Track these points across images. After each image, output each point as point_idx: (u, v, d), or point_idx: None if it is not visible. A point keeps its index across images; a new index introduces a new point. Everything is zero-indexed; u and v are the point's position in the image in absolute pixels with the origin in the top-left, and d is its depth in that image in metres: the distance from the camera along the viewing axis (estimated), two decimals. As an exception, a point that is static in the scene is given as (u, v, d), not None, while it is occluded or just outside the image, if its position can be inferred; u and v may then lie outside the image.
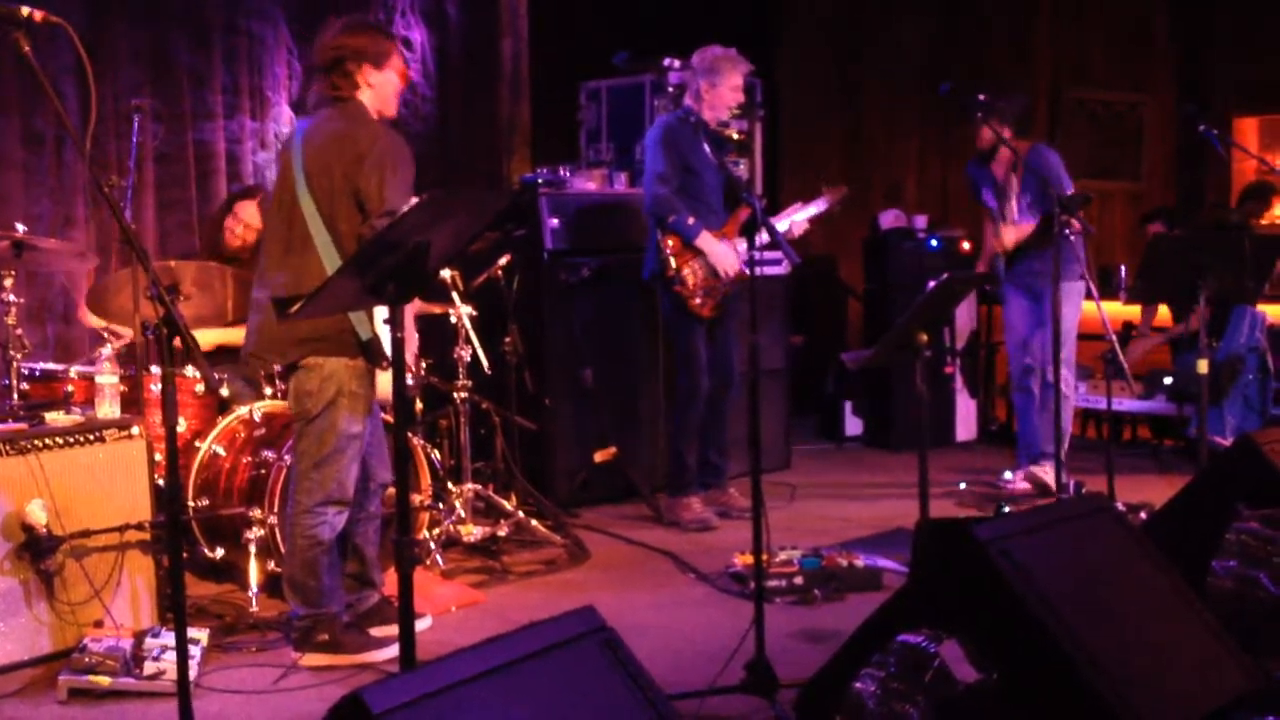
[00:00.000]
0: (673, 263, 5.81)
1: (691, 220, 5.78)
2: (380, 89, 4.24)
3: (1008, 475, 6.62)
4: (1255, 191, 8.74)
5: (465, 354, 5.47)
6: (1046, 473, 6.29)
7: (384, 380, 4.27)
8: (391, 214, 3.95)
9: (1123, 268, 8.26)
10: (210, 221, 5.88)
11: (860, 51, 9.62)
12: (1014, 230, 6.39)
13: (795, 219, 5.97)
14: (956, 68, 9.22)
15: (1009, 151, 6.31)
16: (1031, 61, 9.83)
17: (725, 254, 5.81)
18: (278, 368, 4.30)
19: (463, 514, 5.38)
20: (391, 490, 4.47)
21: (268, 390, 5.16)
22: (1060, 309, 5.51)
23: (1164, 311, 7.65)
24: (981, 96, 6.07)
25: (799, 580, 4.83)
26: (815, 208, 6.00)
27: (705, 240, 5.79)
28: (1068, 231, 5.50)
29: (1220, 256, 5.64)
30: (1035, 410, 6.50)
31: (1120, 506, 5.20)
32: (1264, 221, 9.65)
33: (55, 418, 4.36)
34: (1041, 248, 6.14)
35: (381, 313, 4.12)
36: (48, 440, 4.22)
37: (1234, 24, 10.20)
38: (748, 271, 4.27)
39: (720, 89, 5.86)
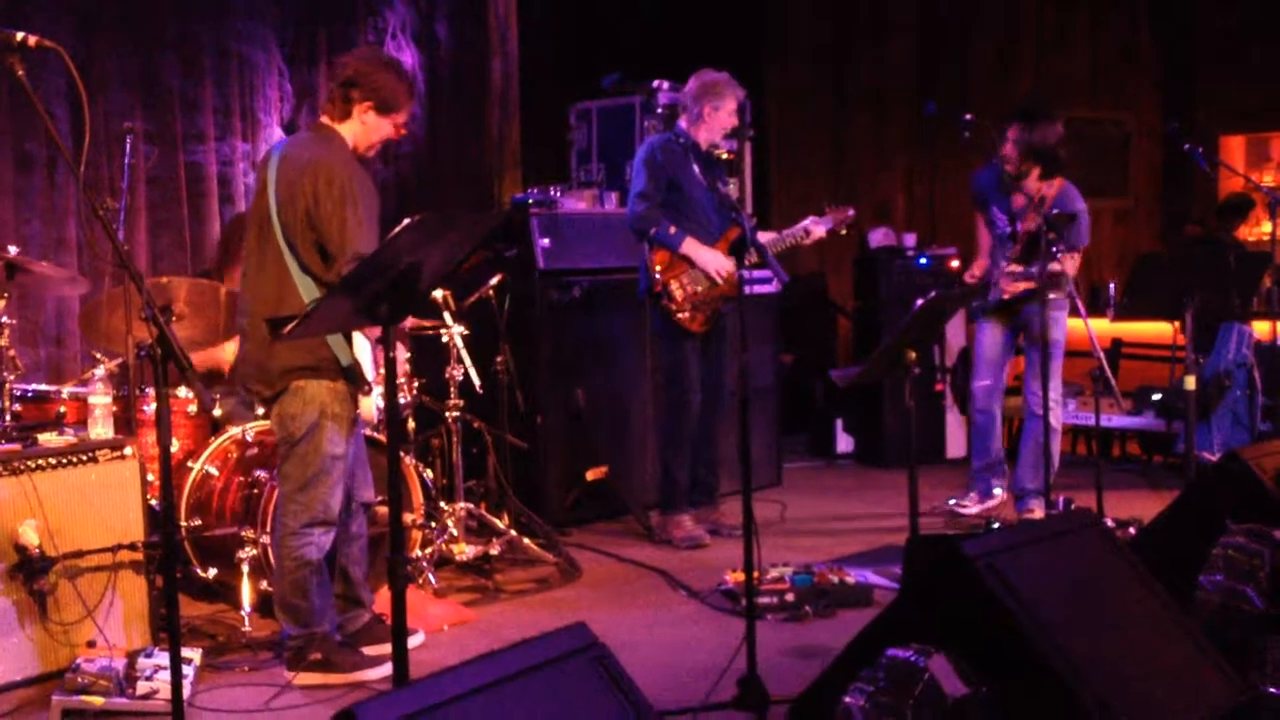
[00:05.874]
0: (659, 277, 5.84)
1: (673, 229, 5.81)
2: (371, 130, 4.23)
3: (956, 500, 6.45)
4: (1231, 206, 8.81)
5: (457, 373, 5.49)
6: (1036, 511, 6.08)
7: (365, 401, 4.29)
8: (358, 257, 3.95)
9: (1111, 285, 8.31)
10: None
11: (847, 71, 9.67)
12: (1019, 284, 6.04)
13: (811, 227, 6.00)
14: (943, 87, 9.30)
15: (1033, 186, 6.04)
16: (1017, 80, 9.89)
17: (713, 258, 5.83)
18: (264, 396, 4.31)
19: (455, 533, 5.39)
20: (384, 509, 4.49)
21: (259, 410, 5.17)
22: (1049, 333, 5.50)
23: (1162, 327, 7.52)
24: (968, 116, 6.07)
25: (790, 597, 4.85)
26: (816, 228, 6.03)
27: (690, 246, 5.83)
28: (1055, 250, 5.51)
29: (1206, 273, 5.68)
30: (995, 434, 6.38)
31: (1110, 522, 5.22)
32: (1252, 237, 9.73)
33: (48, 439, 4.37)
34: (1030, 264, 6.09)
35: (359, 338, 4.15)
36: (40, 461, 4.23)
37: (1219, 42, 10.28)
38: (737, 275, 4.30)
39: (721, 112, 5.90)
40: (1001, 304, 6.19)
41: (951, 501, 6.50)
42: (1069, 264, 5.85)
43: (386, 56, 4.46)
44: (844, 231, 6.20)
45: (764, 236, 5.92)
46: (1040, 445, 6.02)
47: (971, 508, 6.37)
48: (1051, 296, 5.75)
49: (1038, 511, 6.03)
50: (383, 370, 3.87)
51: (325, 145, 4.17)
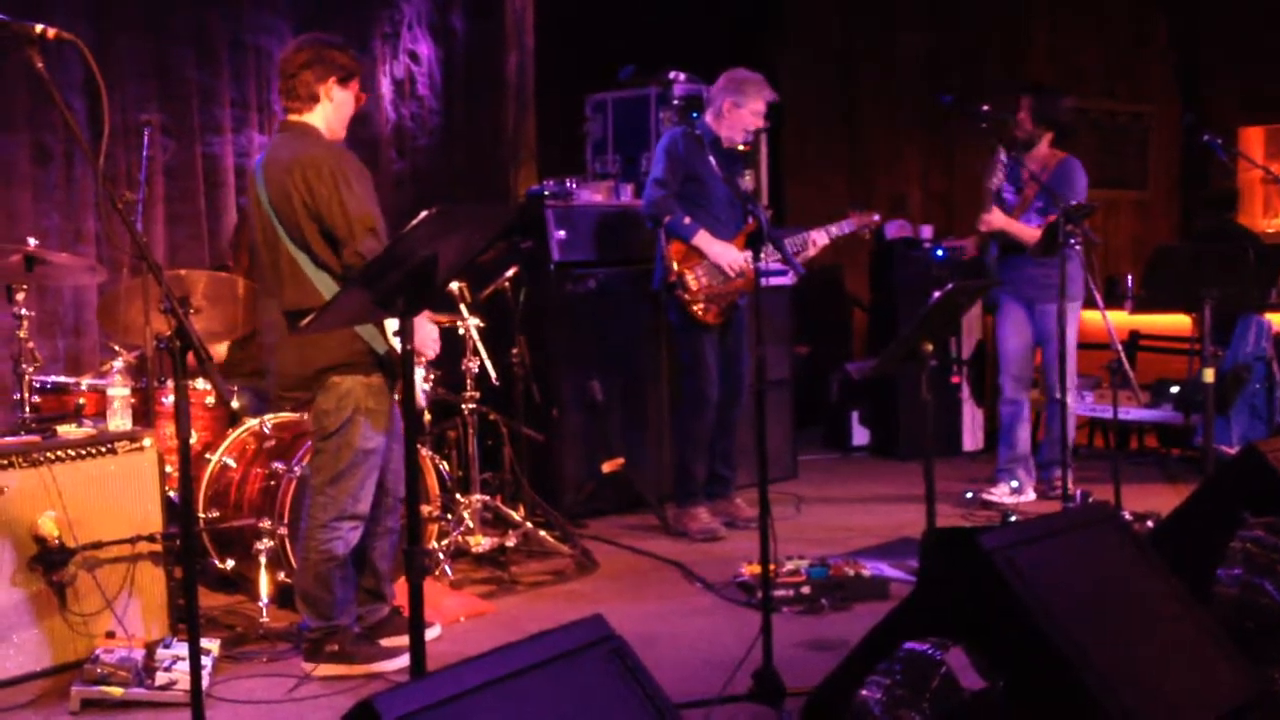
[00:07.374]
0: (675, 268, 5.84)
1: (688, 220, 5.81)
2: (340, 106, 4.27)
3: (1005, 487, 6.53)
4: (1221, 199, 8.81)
5: (473, 365, 5.50)
6: (1056, 484, 6.20)
7: None
8: (373, 231, 3.99)
9: (1129, 277, 8.27)
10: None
11: (861, 63, 9.64)
12: (1004, 220, 6.26)
13: (816, 237, 6.01)
14: (956, 78, 9.25)
15: (1044, 152, 6.29)
16: (1031, 71, 9.85)
17: (724, 250, 5.83)
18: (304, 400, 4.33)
19: (471, 525, 5.40)
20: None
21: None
22: (1065, 320, 5.52)
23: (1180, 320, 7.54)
24: (985, 107, 6.06)
25: (806, 589, 4.85)
26: (839, 230, 6.04)
27: (703, 239, 5.82)
28: (1073, 241, 5.50)
29: (1224, 266, 5.67)
30: (1022, 425, 6.45)
31: (1127, 515, 5.23)
32: (1271, 229, 9.68)
33: (67, 430, 4.40)
34: (1047, 256, 6.10)
35: (394, 325, 4.16)
36: (59, 453, 4.25)
37: (1235, 33, 10.22)
38: (751, 269, 4.30)
39: (743, 110, 5.88)
40: (1014, 278, 6.30)
41: (969, 495, 6.50)
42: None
43: (317, 34, 4.44)
44: (867, 235, 6.26)
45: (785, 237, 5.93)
46: (1059, 423, 6.19)
47: (996, 499, 6.40)
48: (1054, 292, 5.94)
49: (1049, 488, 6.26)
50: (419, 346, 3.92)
51: (301, 139, 4.19)
